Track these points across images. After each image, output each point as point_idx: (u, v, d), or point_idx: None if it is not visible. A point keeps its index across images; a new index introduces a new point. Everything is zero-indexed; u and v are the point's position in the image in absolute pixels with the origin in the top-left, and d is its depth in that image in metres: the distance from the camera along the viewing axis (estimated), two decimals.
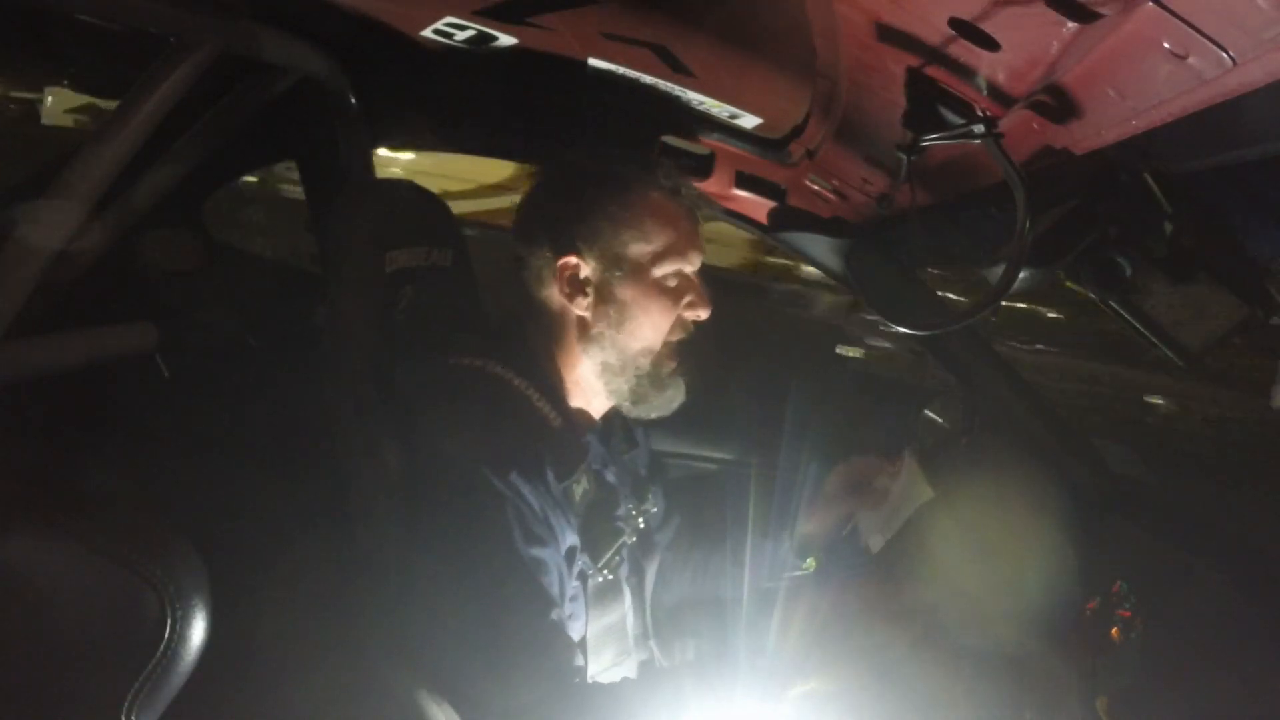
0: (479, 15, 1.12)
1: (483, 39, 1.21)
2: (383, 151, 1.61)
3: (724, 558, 1.25)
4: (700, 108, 1.39)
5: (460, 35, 1.20)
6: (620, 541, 1.08)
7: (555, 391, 1.05)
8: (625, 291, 1.02)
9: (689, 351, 1.08)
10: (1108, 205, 0.85)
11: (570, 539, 0.99)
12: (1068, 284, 0.94)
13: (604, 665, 1.07)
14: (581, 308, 1.03)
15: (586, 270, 1.02)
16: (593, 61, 1.27)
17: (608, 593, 1.08)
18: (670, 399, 1.07)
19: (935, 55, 0.75)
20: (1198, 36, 0.50)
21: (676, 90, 1.34)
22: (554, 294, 1.03)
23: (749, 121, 1.40)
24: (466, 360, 1.03)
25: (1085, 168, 0.79)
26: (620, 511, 1.10)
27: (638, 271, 1.02)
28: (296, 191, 1.65)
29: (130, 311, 1.32)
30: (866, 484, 1.16)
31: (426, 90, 1.43)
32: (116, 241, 1.32)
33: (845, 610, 0.90)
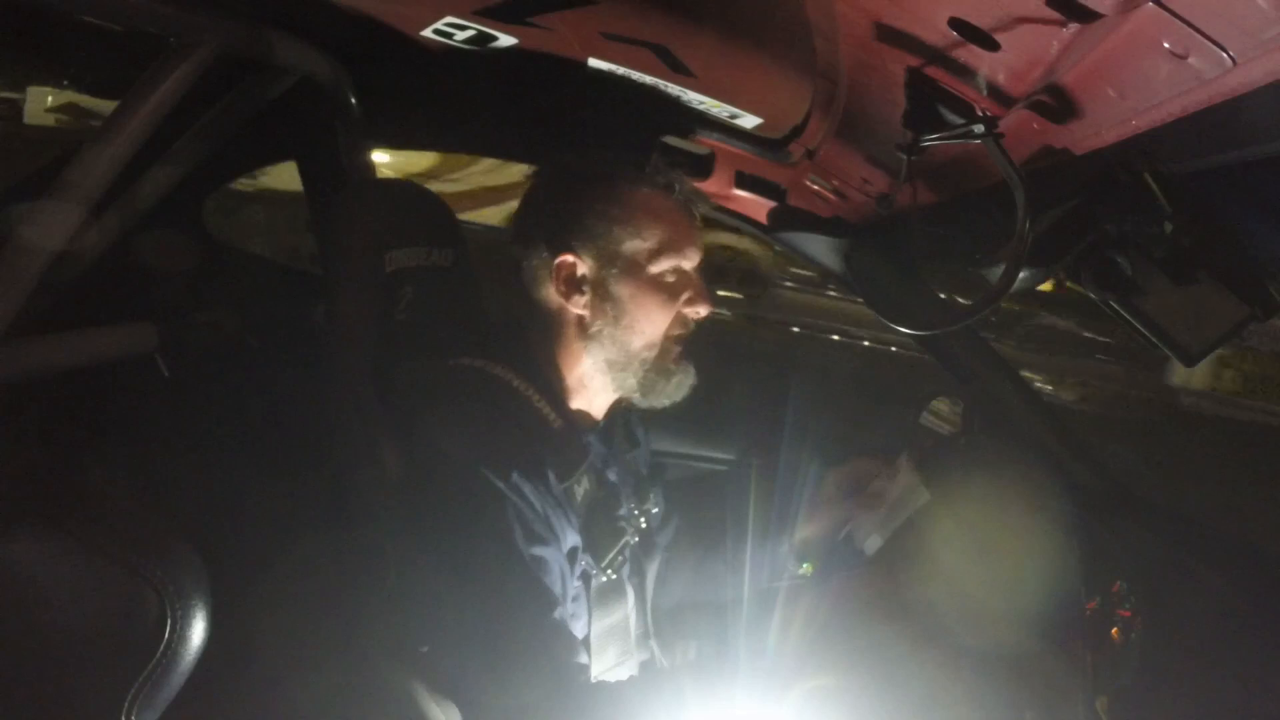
0: (479, 15, 1.12)
1: (483, 39, 1.21)
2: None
3: (719, 560, 1.25)
4: (700, 108, 1.39)
5: (460, 35, 1.20)
6: (623, 541, 1.08)
7: (555, 392, 1.05)
8: (622, 288, 1.02)
9: (691, 349, 1.08)
10: (1108, 205, 0.85)
11: (572, 539, 0.99)
12: (1068, 284, 0.94)
13: (607, 665, 1.07)
14: (579, 306, 1.03)
15: (583, 269, 1.02)
16: (593, 61, 1.27)
17: (611, 593, 1.08)
18: (680, 385, 1.07)
19: (935, 55, 0.75)
20: (1198, 36, 0.50)
21: (676, 90, 1.34)
22: (551, 294, 1.04)
23: (749, 121, 1.40)
24: (466, 361, 1.03)
25: (1085, 168, 0.79)
26: (622, 511, 1.10)
27: (634, 268, 1.02)
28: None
29: (130, 311, 1.32)
30: (862, 487, 1.16)
31: (426, 90, 1.43)
32: (116, 241, 1.32)
33: (845, 610, 0.90)
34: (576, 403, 1.07)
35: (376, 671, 0.97)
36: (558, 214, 1.04)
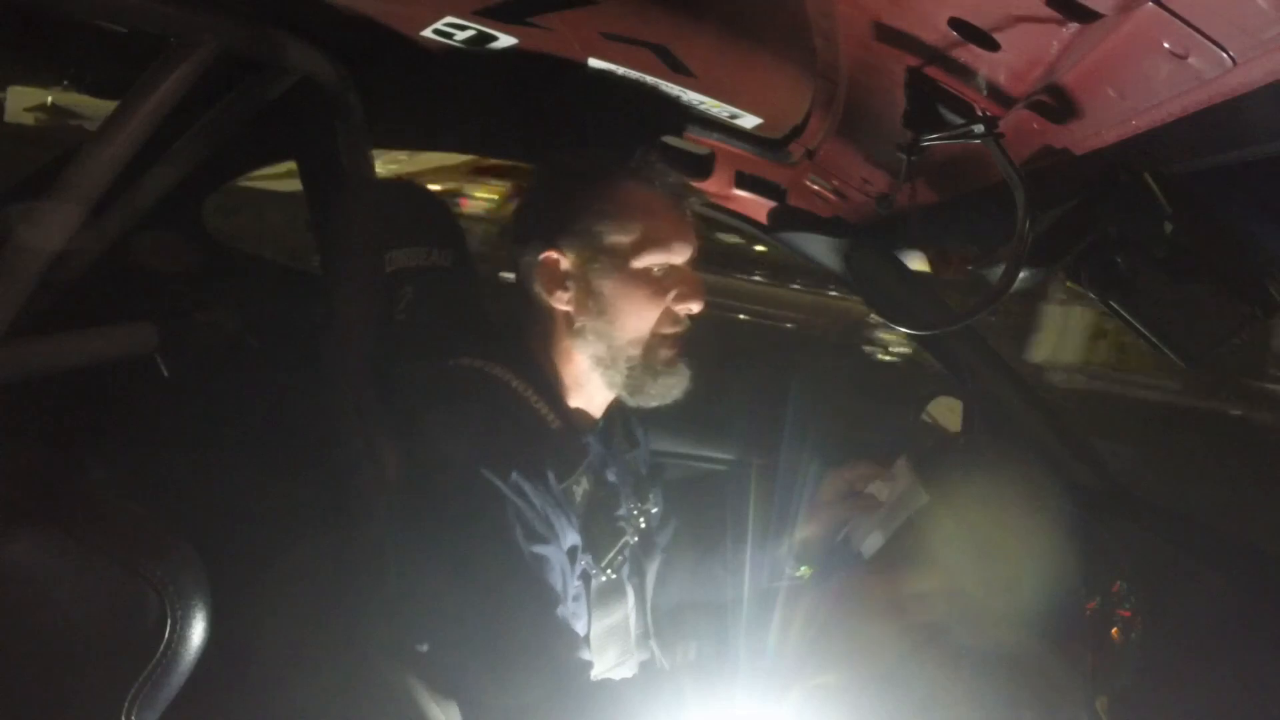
0: (479, 15, 1.12)
1: (483, 39, 1.21)
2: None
3: (717, 561, 1.25)
4: (700, 108, 1.39)
5: (460, 35, 1.20)
6: (622, 541, 1.08)
7: (554, 391, 1.05)
8: (605, 284, 1.01)
9: (689, 346, 1.08)
10: (1108, 205, 0.85)
11: (571, 538, 0.99)
12: (1068, 284, 0.94)
13: (607, 666, 1.07)
14: (563, 302, 1.03)
15: (566, 264, 1.02)
16: (593, 61, 1.27)
17: (611, 593, 1.08)
18: (669, 387, 1.05)
19: (935, 55, 0.75)
20: (1198, 36, 0.50)
21: (676, 90, 1.34)
22: (540, 291, 1.04)
23: (749, 121, 1.40)
24: (466, 361, 1.03)
25: (1085, 168, 0.79)
26: (622, 511, 1.10)
27: (616, 263, 1.00)
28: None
29: (130, 311, 1.32)
30: (860, 489, 1.16)
31: (426, 90, 1.43)
32: (116, 241, 1.32)
33: (845, 610, 0.90)
34: (575, 402, 1.07)
35: (377, 671, 0.97)
36: (543, 210, 1.04)
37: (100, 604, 0.65)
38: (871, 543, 1.08)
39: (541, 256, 1.02)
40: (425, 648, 0.99)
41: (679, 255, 1.03)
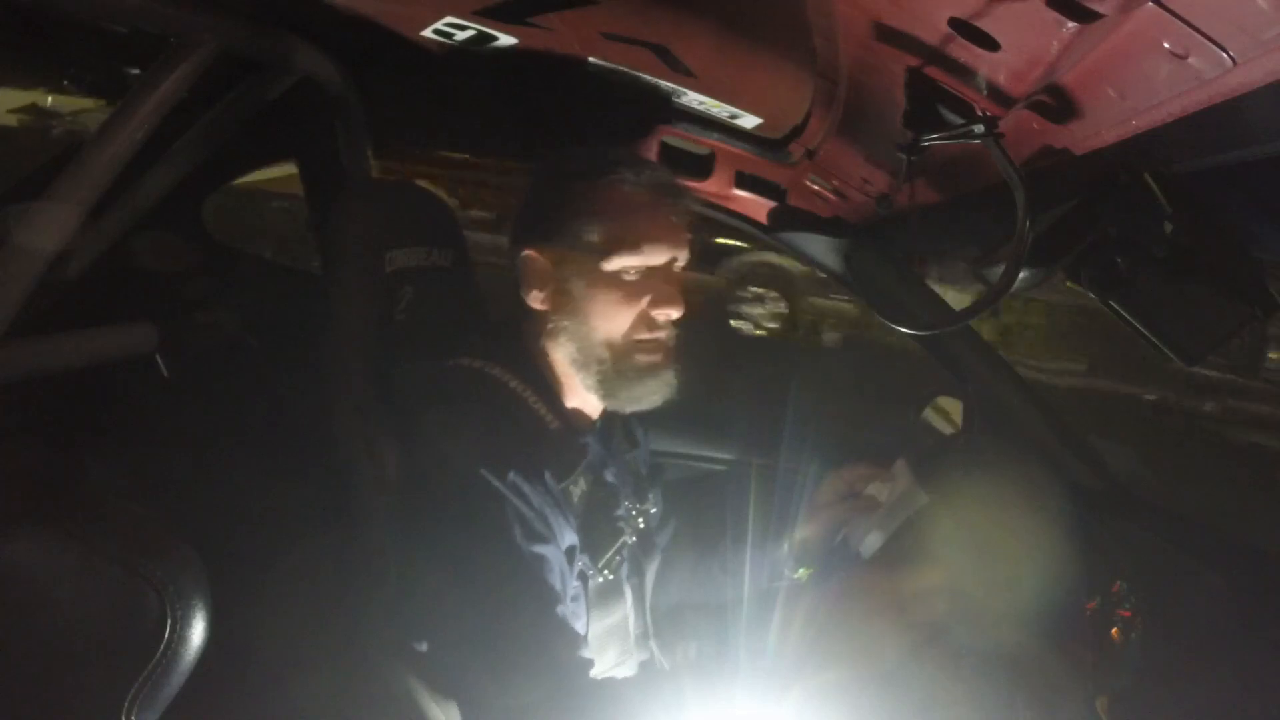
0: (479, 15, 1.12)
1: (483, 39, 1.21)
2: None
3: (715, 562, 1.25)
4: (700, 108, 1.39)
5: (460, 35, 1.20)
6: (620, 541, 1.08)
7: (552, 392, 1.04)
8: (576, 284, 1.00)
9: (681, 349, 1.07)
10: (1108, 205, 0.85)
11: (570, 539, 0.99)
12: (1068, 284, 0.94)
13: (606, 666, 1.07)
14: (538, 301, 1.02)
15: (543, 264, 1.01)
16: (593, 61, 1.28)
17: (609, 593, 1.08)
18: (643, 394, 1.03)
19: (935, 55, 0.75)
20: (1198, 36, 0.50)
21: (676, 90, 1.34)
22: (522, 290, 1.04)
23: (749, 121, 1.40)
24: (465, 362, 1.03)
25: (1085, 168, 0.79)
26: (620, 512, 1.10)
27: (586, 264, 0.99)
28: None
29: (130, 311, 1.32)
30: (858, 491, 1.15)
31: (426, 90, 1.43)
32: (116, 241, 1.32)
33: (845, 610, 0.90)
34: (572, 402, 1.07)
35: (377, 671, 0.97)
36: (526, 211, 1.04)
37: (100, 604, 0.65)
38: (870, 543, 1.08)
39: (522, 255, 1.02)
40: (425, 648, 0.99)
41: (656, 258, 1.00)
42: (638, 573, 1.14)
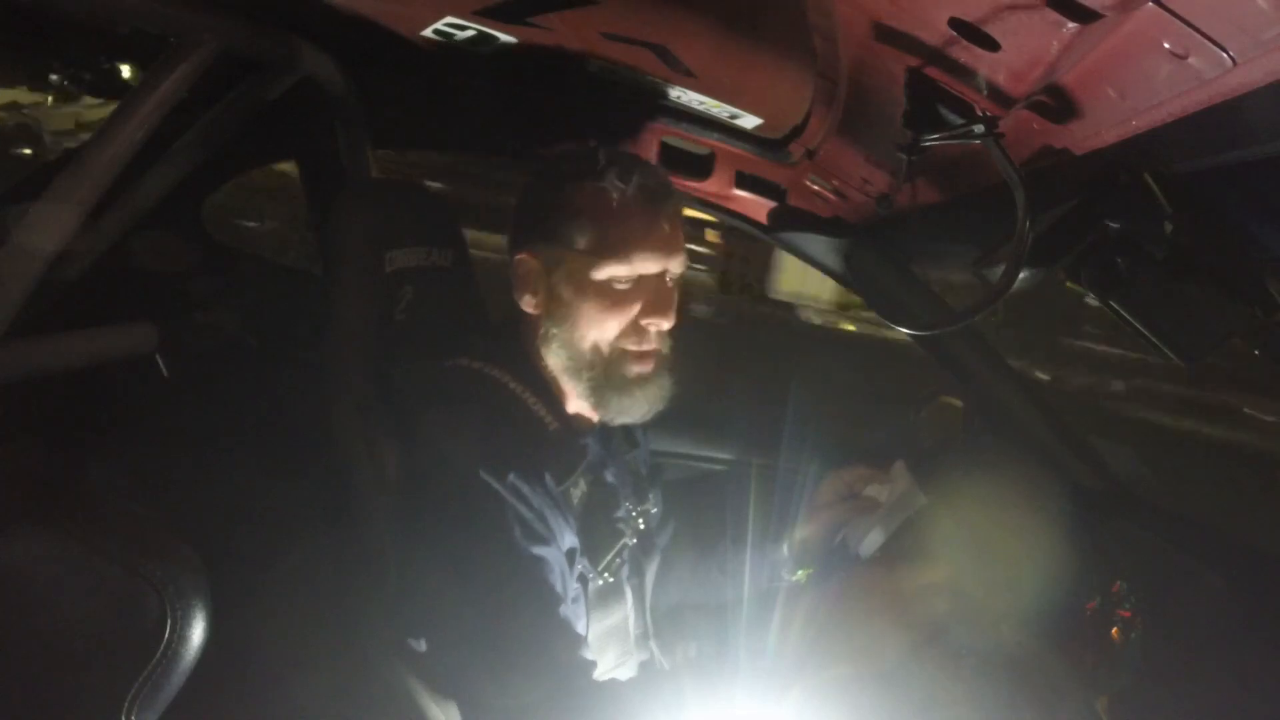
0: (479, 15, 1.12)
1: (483, 39, 1.21)
2: None
3: (714, 562, 1.25)
4: (700, 108, 1.39)
5: (460, 35, 1.20)
6: (621, 543, 1.08)
7: (551, 394, 1.04)
8: (566, 290, 0.98)
9: (682, 354, 1.06)
10: (1108, 205, 0.85)
11: (570, 540, 0.99)
12: (1068, 284, 0.94)
13: (607, 667, 1.07)
14: (530, 306, 1.02)
15: (535, 268, 1.00)
16: (592, 61, 1.28)
17: (609, 595, 1.08)
18: (633, 404, 1.01)
19: (935, 55, 0.75)
20: (1198, 36, 0.50)
21: (676, 90, 1.34)
22: (515, 294, 1.03)
23: (749, 121, 1.40)
24: (464, 362, 1.03)
25: (1085, 168, 0.79)
26: (620, 513, 1.10)
27: (575, 272, 0.97)
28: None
29: (130, 311, 1.32)
30: (857, 493, 1.15)
31: (426, 90, 1.43)
32: (116, 241, 1.32)
33: (846, 605, 0.89)
34: (571, 404, 1.07)
35: (377, 671, 0.97)
36: (520, 214, 1.03)
37: (100, 604, 0.65)
38: (869, 544, 1.08)
39: (515, 258, 1.02)
40: (425, 648, 0.99)
41: (648, 267, 0.97)
42: (637, 573, 1.14)
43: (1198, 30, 0.50)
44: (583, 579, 1.02)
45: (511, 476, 0.92)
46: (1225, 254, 0.83)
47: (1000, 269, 0.82)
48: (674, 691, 0.96)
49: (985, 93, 0.75)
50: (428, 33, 1.20)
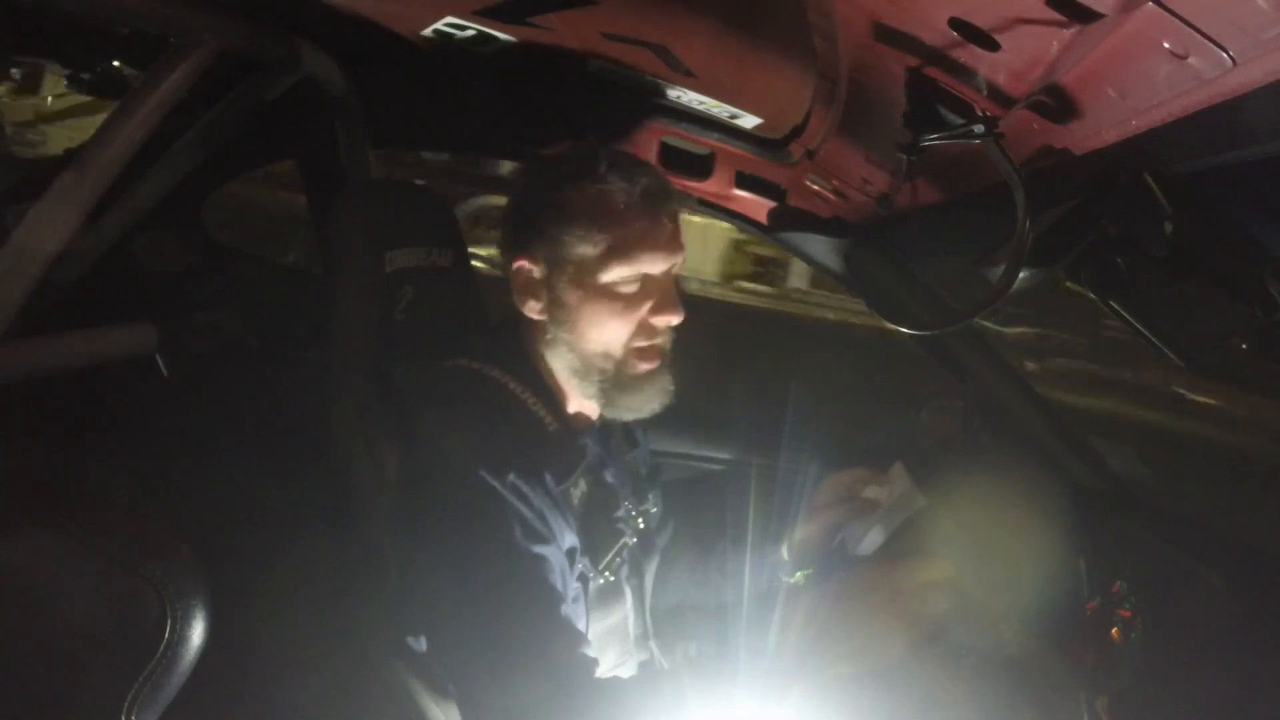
0: (479, 15, 1.12)
1: (483, 39, 1.21)
2: None
3: (712, 563, 1.25)
4: (700, 108, 1.39)
5: (460, 35, 1.20)
6: (621, 543, 1.08)
7: (550, 394, 1.04)
8: (572, 295, 0.98)
9: (682, 354, 1.06)
10: (1108, 205, 0.85)
11: (570, 540, 0.99)
12: (1068, 284, 0.94)
13: (607, 667, 1.07)
14: (535, 311, 1.01)
15: (538, 273, 0.99)
16: (592, 61, 1.28)
17: (609, 595, 1.08)
18: (643, 402, 1.02)
19: (935, 55, 0.75)
20: (1198, 36, 0.50)
21: (676, 90, 1.34)
22: (516, 299, 1.02)
23: (749, 121, 1.40)
24: (464, 363, 1.03)
25: (1085, 168, 0.79)
26: (620, 513, 1.10)
27: (582, 274, 0.97)
28: None
29: (130, 311, 1.32)
30: (856, 494, 1.15)
31: (426, 90, 1.43)
32: (116, 241, 1.32)
33: (847, 605, 0.89)
34: (571, 404, 1.07)
35: (377, 671, 0.97)
36: (517, 217, 1.02)
37: (100, 604, 0.65)
38: (868, 546, 1.08)
39: (515, 264, 1.01)
40: (425, 647, 0.99)
41: (654, 265, 0.98)
42: (637, 573, 1.14)
43: (1198, 30, 0.50)
44: (583, 578, 1.02)
45: (511, 476, 0.92)
46: (1225, 254, 0.83)
47: (1000, 269, 0.82)
48: (674, 691, 0.96)
49: (985, 93, 0.75)
50: (428, 32, 1.20)
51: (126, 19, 1.02)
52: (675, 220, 1.00)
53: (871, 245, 1.50)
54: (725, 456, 1.78)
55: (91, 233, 1.23)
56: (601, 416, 1.11)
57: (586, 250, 0.96)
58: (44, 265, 1.02)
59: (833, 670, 0.87)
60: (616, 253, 0.96)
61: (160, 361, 1.35)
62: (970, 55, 0.71)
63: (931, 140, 0.83)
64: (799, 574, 1.21)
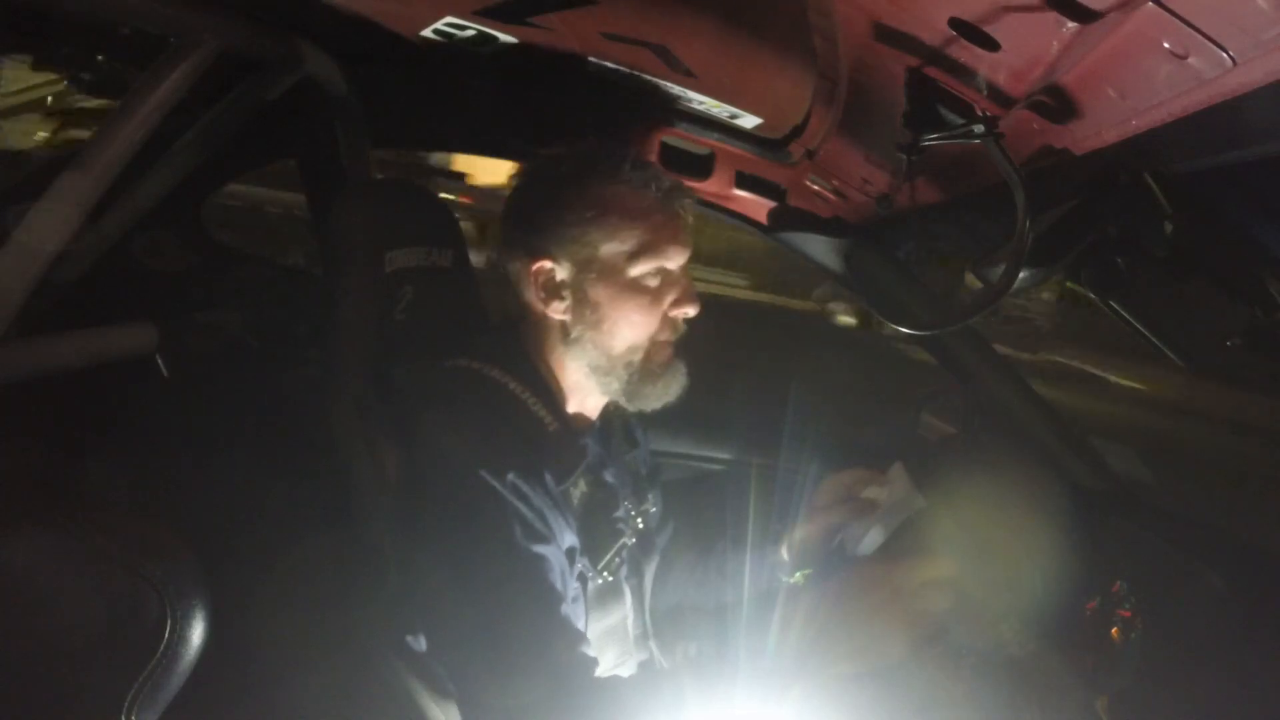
0: (479, 15, 1.12)
1: (483, 39, 1.21)
2: None
3: (711, 564, 1.25)
4: (700, 108, 1.39)
5: (460, 35, 1.20)
6: (620, 543, 1.08)
7: (551, 394, 1.04)
8: (600, 293, 1.00)
9: (688, 349, 1.07)
10: (1108, 205, 0.85)
11: (569, 540, 0.99)
12: (1068, 284, 0.94)
13: (606, 667, 1.07)
14: (559, 312, 1.02)
15: (561, 274, 1.01)
16: (593, 61, 1.28)
17: (608, 595, 1.08)
18: (667, 388, 1.05)
19: (935, 55, 0.75)
20: (1198, 36, 0.50)
21: (676, 90, 1.34)
22: (534, 299, 1.03)
23: (749, 121, 1.40)
24: (464, 363, 1.03)
25: (1085, 168, 0.79)
26: (619, 513, 1.10)
27: (610, 272, 0.99)
28: None
29: (130, 311, 1.32)
30: (855, 495, 1.15)
31: (426, 90, 1.43)
32: (117, 241, 1.32)
33: (847, 604, 0.89)
34: (572, 404, 1.07)
35: (377, 671, 0.97)
36: (534, 218, 1.02)
37: (100, 604, 0.65)
38: (867, 547, 1.08)
39: (534, 266, 1.01)
40: (425, 647, 0.99)
41: (674, 259, 1.02)
42: (636, 574, 1.14)
43: (1198, 30, 0.50)
44: (582, 578, 1.02)
45: (511, 475, 0.92)
46: (1225, 254, 0.83)
47: (1000, 269, 0.82)
48: (674, 691, 0.96)
49: (985, 93, 0.75)
50: (428, 33, 1.20)
51: (126, 19, 1.02)
52: (688, 214, 1.05)
53: (871, 245, 1.50)
54: (725, 456, 1.78)
55: (91, 233, 1.23)
56: (602, 416, 1.11)
57: (614, 247, 0.99)
58: (44, 265, 1.02)
59: (833, 670, 0.87)
60: (644, 248, 0.99)
61: (160, 361, 1.35)
62: (970, 55, 0.71)
63: (931, 140, 0.83)
64: (798, 574, 1.21)
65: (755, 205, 1.54)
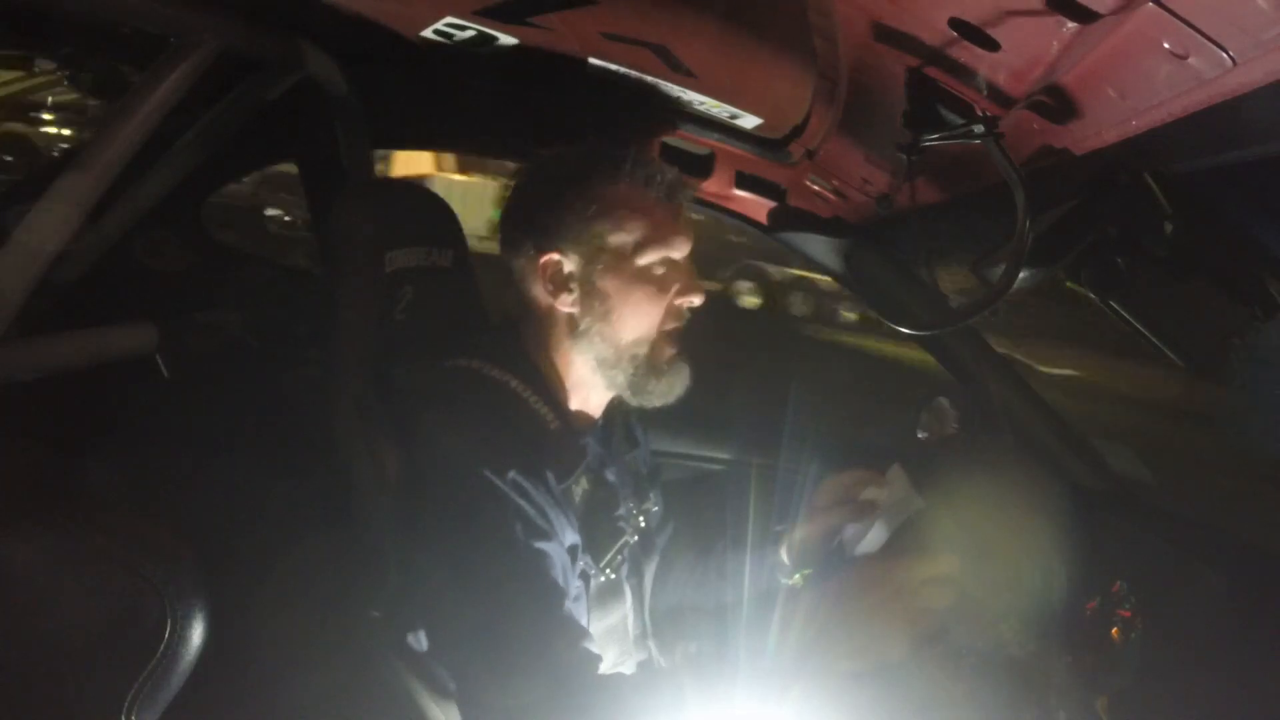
0: (479, 15, 1.12)
1: (483, 39, 1.21)
2: None
3: (711, 564, 1.25)
4: (700, 108, 1.39)
5: (460, 35, 1.20)
6: (622, 541, 1.08)
7: (552, 393, 1.04)
8: (609, 284, 1.01)
9: (689, 344, 1.07)
10: (1108, 205, 0.85)
11: (571, 538, 0.99)
12: (1068, 284, 0.94)
13: (607, 666, 1.07)
14: (567, 304, 1.02)
15: (569, 266, 1.02)
16: (593, 61, 1.28)
17: (609, 593, 1.08)
18: (671, 385, 1.05)
19: (935, 55, 0.75)
20: (1198, 36, 0.50)
21: (676, 90, 1.34)
22: (540, 293, 1.03)
23: (749, 121, 1.40)
24: (464, 362, 1.03)
25: (1085, 168, 0.79)
26: (621, 511, 1.10)
27: (619, 262, 1.01)
28: None
29: (130, 311, 1.32)
30: (854, 496, 1.15)
31: (426, 90, 1.43)
32: (117, 241, 1.32)
33: (847, 604, 0.89)
34: (574, 403, 1.07)
35: (377, 671, 0.97)
36: (539, 213, 1.03)
37: (100, 604, 0.65)
38: (866, 547, 1.08)
39: (542, 260, 1.02)
40: (425, 647, 0.99)
41: (679, 250, 1.03)
42: (637, 573, 1.14)
43: (1198, 30, 0.50)
44: (584, 576, 1.02)
45: (512, 474, 0.92)
46: (1225, 254, 0.83)
47: (1000, 269, 0.82)
48: (674, 690, 0.96)
49: (985, 93, 0.75)
50: (428, 33, 1.20)
51: (126, 19, 1.02)
52: (689, 207, 1.08)
53: (871, 245, 1.50)
54: (725, 456, 1.78)
55: (92, 233, 1.23)
56: (604, 414, 1.11)
57: (621, 238, 1.01)
58: (44, 265, 1.02)
59: (833, 670, 0.87)
60: (650, 239, 1.01)
61: (160, 361, 1.35)
62: (970, 55, 0.71)
63: (931, 140, 0.83)
64: (798, 575, 1.21)
65: (755, 205, 1.54)
